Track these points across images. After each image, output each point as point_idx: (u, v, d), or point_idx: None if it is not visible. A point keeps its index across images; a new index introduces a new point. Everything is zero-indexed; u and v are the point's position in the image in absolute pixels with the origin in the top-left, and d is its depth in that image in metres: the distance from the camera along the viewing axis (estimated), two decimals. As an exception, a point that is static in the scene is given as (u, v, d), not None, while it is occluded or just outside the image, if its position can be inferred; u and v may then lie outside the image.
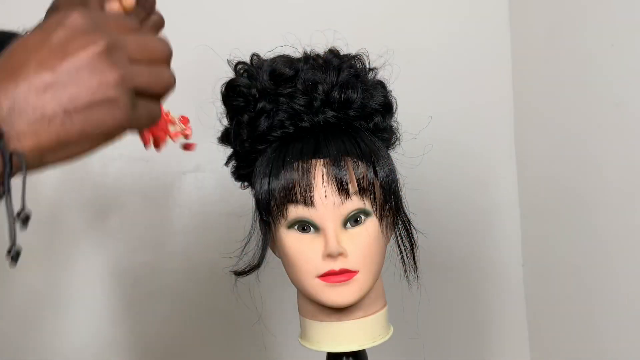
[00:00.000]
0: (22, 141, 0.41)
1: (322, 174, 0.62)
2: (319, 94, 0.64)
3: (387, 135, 0.70)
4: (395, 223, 0.68)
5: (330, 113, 0.65)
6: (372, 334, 0.67)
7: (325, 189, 0.62)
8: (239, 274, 0.70)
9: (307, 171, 0.62)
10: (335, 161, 0.62)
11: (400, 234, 0.69)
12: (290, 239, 0.64)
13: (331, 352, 0.68)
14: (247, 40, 0.74)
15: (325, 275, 0.62)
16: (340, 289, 0.62)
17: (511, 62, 1.29)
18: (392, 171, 0.65)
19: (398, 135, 0.72)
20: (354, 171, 0.62)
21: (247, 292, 0.79)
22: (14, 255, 0.42)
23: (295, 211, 0.63)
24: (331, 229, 0.62)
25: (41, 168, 0.44)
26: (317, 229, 0.63)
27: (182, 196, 1.26)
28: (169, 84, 0.47)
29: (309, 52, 0.69)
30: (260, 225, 0.67)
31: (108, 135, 0.45)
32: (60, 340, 1.26)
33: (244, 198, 1.27)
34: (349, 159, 0.63)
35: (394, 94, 0.72)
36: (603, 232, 1.04)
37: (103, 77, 0.42)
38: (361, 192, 0.62)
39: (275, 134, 0.65)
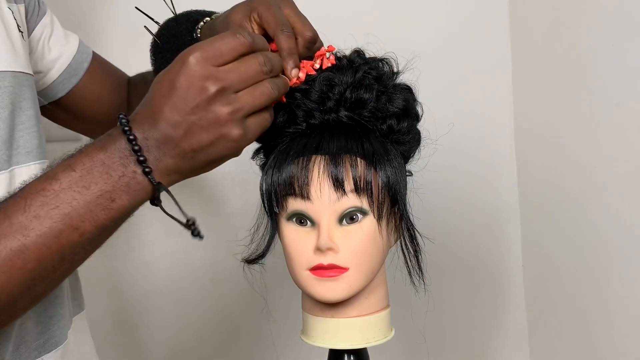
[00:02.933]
0: (164, 172, 0.56)
1: (319, 170, 0.63)
2: (333, 94, 0.66)
3: (403, 139, 0.69)
4: (400, 227, 0.68)
5: (343, 112, 0.66)
6: (366, 335, 0.68)
7: (321, 184, 0.63)
8: (249, 262, 0.71)
9: (306, 166, 0.64)
10: (333, 158, 0.63)
11: (404, 239, 0.69)
12: (288, 230, 0.66)
13: (321, 346, 0.69)
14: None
15: (315, 269, 0.64)
16: (329, 284, 0.63)
17: (511, 62, 1.29)
18: (396, 174, 0.66)
19: (416, 138, 0.72)
20: (351, 169, 0.63)
21: (251, 289, 0.79)
22: (196, 234, 0.59)
23: (294, 204, 0.64)
24: (325, 223, 0.63)
25: (172, 184, 0.58)
26: (313, 223, 0.64)
27: (183, 196, 1.26)
28: (270, 96, 0.59)
29: (335, 53, 0.69)
30: (265, 215, 0.69)
31: (227, 157, 0.59)
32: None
33: (244, 198, 1.28)
34: (349, 157, 0.64)
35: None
36: (603, 232, 1.05)
37: (215, 117, 0.55)
38: (358, 190, 0.63)
39: (289, 130, 0.67)
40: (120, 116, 0.56)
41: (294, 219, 0.65)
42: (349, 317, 0.67)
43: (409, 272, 0.70)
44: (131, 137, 0.55)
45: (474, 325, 1.33)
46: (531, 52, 1.24)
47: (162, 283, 1.29)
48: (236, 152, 0.59)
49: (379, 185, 0.64)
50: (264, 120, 0.60)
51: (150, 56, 0.82)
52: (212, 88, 0.55)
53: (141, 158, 0.55)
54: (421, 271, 0.70)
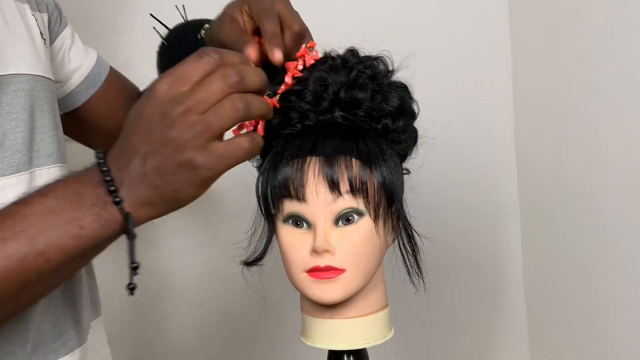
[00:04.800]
0: (137, 204, 0.54)
1: (314, 172, 0.63)
2: (327, 94, 0.65)
3: (399, 138, 0.69)
4: (397, 227, 0.68)
5: (338, 113, 0.66)
6: (365, 335, 0.68)
7: (316, 186, 0.63)
8: (247, 264, 0.71)
9: (301, 168, 0.63)
10: (328, 159, 0.63)
11: (402, 238, 0.69)
12: (284, 232, 0.66)
13: (321, 348, 0.69)
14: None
15: (311, 271, 0.63)
16: (325, 285, 0.63)
17: (511, 62, 1.29)
18: (392, 174, 0.65)
19: (412, 136, 0.71)
20: (346, 170, 0.63)
21: (250, 291, 0.79)
22: (132, 288, 0.58)
23: (290, 206, 0.64)
24: (321, 225, 0.63)
25: (150, 219, 0.56)
26: (309, 224, 0.64)
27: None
28: (237, 113, 0.53)
29: (329, 53, 0.69)
30: (262, 217, 0.68)
31: (200, 185, 0.54)
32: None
33: (244, 198, 1.28)
34: (343, 157, 0.63)
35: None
36: (603, 232, 1.05)
37: (178, 143, 0.52)
38: (353, 191, 0.63)
39: (283, 131, 0.67)
40: (97, 151, 0.56)
41: (290, 221, 0.65)
42: (347, 318, 0.67)
43: (408, 272, 0.70)
44: (104, 169, 0.54)
45: (474, 324, 1.33)
46: (531, 52, 1.24)
47: (161, 284, 1.29)
48: (202, 183, 0.54)
49: (374, 186, 0.64)
50: (237, 147, 0.55)
51: (157, 58, 0.83)
52: (175, 111, 0.52)
53: (112, 188, 0.54)
54: (420, 270, 0.70)
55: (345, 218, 0.63)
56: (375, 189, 0.64)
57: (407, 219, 0.68)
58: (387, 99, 0.67)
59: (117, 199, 0.53)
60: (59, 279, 0.58)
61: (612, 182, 1.01)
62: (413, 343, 1.14)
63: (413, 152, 0.73)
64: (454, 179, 1.28)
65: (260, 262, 0.71)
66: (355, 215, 0.64)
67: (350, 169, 0.63)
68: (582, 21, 1.07)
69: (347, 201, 0.63)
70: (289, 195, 0.64)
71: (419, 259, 0.70)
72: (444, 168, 1.25)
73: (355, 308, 0.67)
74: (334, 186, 0.62)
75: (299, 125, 0.66)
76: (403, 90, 0.70)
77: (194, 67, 0.54)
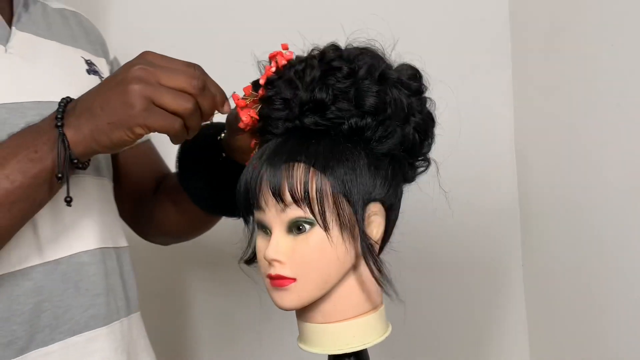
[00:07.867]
0: (70, 126, 0.65)
1: (265, 181, 0.62)
2: (290, 101, 0.64)
3: (371, 136, 0.63)
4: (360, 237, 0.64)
5: (309, 119, 0.63)
6: (335, 342, 0.66)
7: (265, 195, 0.63)
8: (246, 262, 0.71)
9: (257, 177, 0.63)
10: (272, 168, 0.62)
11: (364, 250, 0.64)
12: (258, 237, 0.66)
13: (303, 349, 0.68)
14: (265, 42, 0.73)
15: (269, 277, 0.64)
16: (281, 293, 0.63)
17: (511, 62, 1.29)
18: (344, 181, 0.61)
19: (393, 133, 0.64)
20: (287, 179, 0.61)
21: (247, 290, 0.79)
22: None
23: (256, 213, 0.65)
24: (276, 233, 0.63)
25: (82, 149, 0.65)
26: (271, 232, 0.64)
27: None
28: (185, 110, 0.64)
29: (312, 53, 0.66)
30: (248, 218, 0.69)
31: (127, 129, 0.63)
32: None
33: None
34: (286, 165, 0.61)
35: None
36: (603, 232, 1.04)
37: (127, 87, 0.62)
38: (296, 201, 0.61)
39: (260, 140, 0.68)
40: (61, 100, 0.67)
41: (260, 227, 0.65)
42: (314, 322, 0.66)
43: (377, 282, 0.65)
44: (62, 102, 0.66)
45: (474, 325, 1.33)
46: (531, 52, 1.24)
47: (161, 282, 1.29)
48: (134, 123, 0.63)
49: (325, 193, 0.61)
50: (170, 121, 0.64)
51: (178, 151, 0.85)
52: (138, 67, 0.63)
53: (59, 116, 0.64)
54: (387, 281, 0.65)
55: (296, 227, 0.62)
56: (327, 196, 0.61)
57: (362, 229, 0.63)
58: (360, 97, 0.62)
59: (59, 123, 0.64)
60: (27, 202, 0.66)
61: (612, 182, 1.01)
62: (412, 343, 1.14)
63: (418, 151, 0.72)
64: (454, 180, 1.27)
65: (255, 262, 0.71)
66: (305, 225, 0.62)
67: (291, 178, 0.61)
68: (582, 21, 1.07)
69: (295, 210, 0.61)
70: (252, 203, 0.64)
71: (383, 271, 0.65)
72: (443, 168, 1.24)
73: (321, 314, 0.66)
74: (276, 196, 0.61)
75: (269, 135, 0.66)
76: (383, 83, 0.64)
77: (179, 62, 0.65)
